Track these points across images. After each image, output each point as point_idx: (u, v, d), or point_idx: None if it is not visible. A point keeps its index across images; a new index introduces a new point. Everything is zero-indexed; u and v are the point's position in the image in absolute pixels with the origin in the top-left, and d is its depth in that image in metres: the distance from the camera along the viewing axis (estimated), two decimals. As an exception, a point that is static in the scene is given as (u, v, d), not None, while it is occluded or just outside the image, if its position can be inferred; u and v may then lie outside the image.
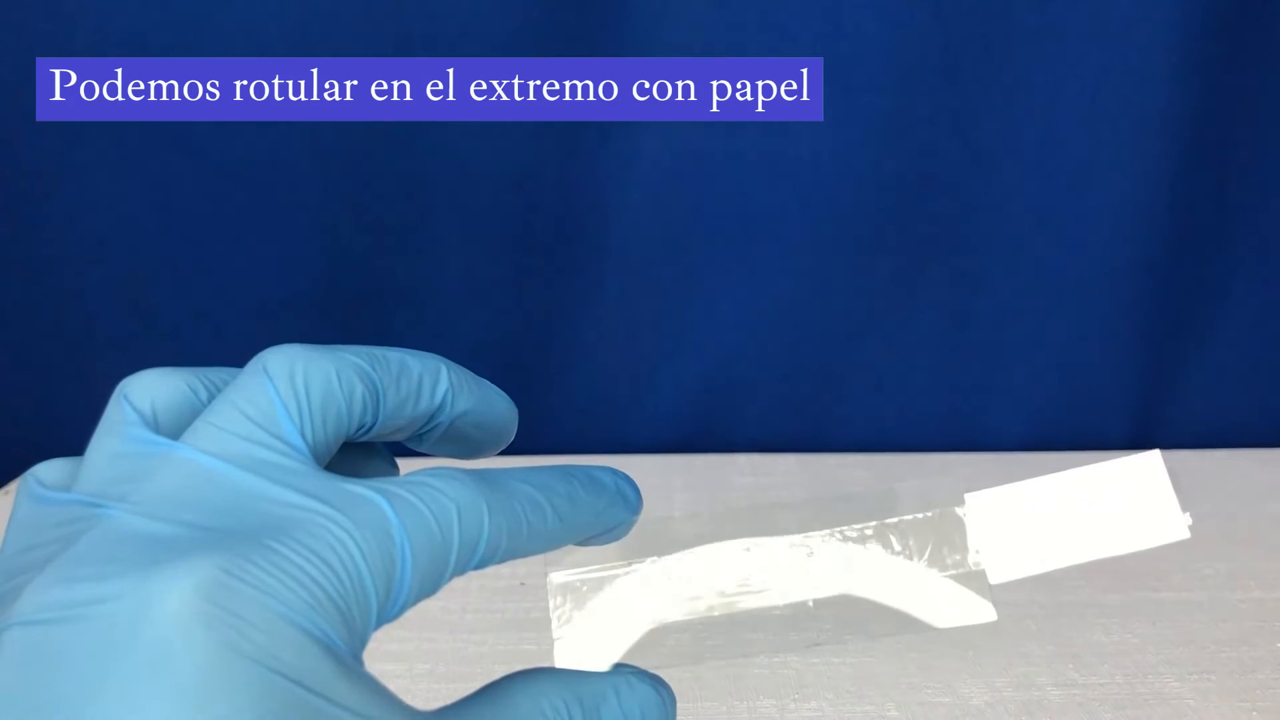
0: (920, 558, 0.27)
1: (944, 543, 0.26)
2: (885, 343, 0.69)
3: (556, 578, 0.27)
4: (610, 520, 0.25)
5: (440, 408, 0.25)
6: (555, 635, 0.27)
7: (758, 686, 0.44)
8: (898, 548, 0.27)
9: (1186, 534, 0.25)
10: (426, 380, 0.25)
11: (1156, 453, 0.26)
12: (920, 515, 0.27)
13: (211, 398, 0.24)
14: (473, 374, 0.26)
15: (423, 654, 0.47)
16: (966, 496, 0.26)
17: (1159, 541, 0.25)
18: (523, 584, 0.52)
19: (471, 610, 0.50)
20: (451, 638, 0.48)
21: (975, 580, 0.26)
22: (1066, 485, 0.26)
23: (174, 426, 0.23)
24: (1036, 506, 0.26)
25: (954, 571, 0.26)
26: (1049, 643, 0.47)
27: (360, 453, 0.26)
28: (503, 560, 0.23)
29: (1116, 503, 0.26)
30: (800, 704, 0.43)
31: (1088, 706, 0.43)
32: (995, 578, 0.26)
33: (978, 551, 0.26)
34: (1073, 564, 0.25)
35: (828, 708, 0.43)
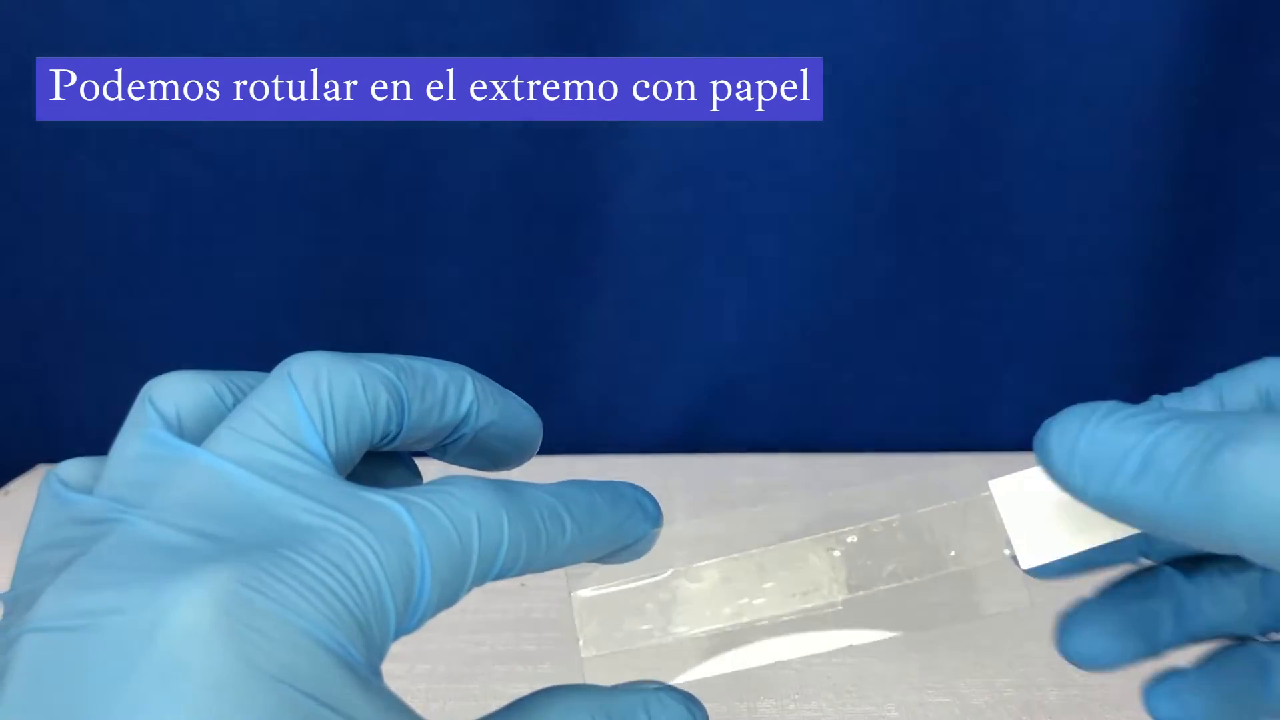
0: (948, 547, 0.26)
1: (972, 531, 0.26)
2: (885, 343, 0.69)
3: (581, 595, 0.27)
4: (630, 533, 0.25)
5: (465, 419, 0.25)
6: (583, 653, 0.26)
7: (758, 687, 0.44)
8: (925, 539, 0.26)
9: None
10: (452, 390, 0.25)
11: None
12: (946, 504, 0.26)
13: (236, 402, 0.23)
14: (498, 386, 0.26)
15: (423, 654, 0.47)
16: (991, 483, 0.26)
17: None
18: (523, 584, 0.52)
19: (471, 610, 0.50)
20: (451, 638, 0.48)
21: (1007, 567, 0.26)
22: None
23: (198, 430, 0.23)
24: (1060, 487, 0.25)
25: (985, 559, 0.26)
26: (1049, 643, 0.47)
27: (383, 462, 0.26)
28: (523, 572, 0.23)
29: None
30: (800, 704, 0.43)
31: (1088, 706, 0.43)
32: (1027, 563, 0.25)
33: (1007, 537, 0.25)
34: (1103, 542, 0.25)
35: (827, 708, 0.43)
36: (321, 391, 0.22)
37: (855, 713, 0.43)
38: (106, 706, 0.17)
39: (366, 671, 0.19)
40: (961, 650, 0.47)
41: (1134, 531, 0.24)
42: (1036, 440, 0.23)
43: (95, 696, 0.17)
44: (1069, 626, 0.25)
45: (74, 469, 0.23)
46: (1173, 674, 0.26)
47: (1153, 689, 0.25)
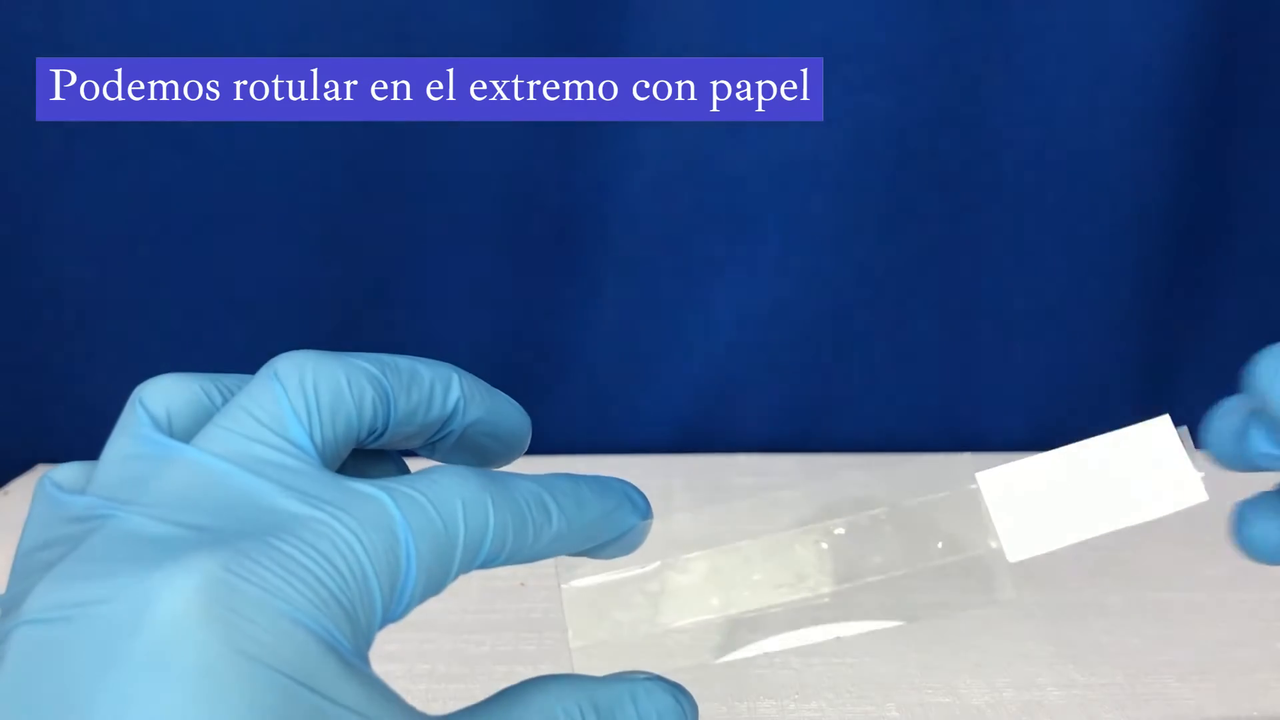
0: (936, 540, 0.26)
1: (959, 523, 0.26)
2: (885, 343, 0.69)
3: (571, 586, 0.27)
4: (618, 524, 0.25)
5: (452, 415, 0.25)
6: (572, 644, 0.26)
7: (758, 687, 0.44)
8: (912, 531, 0.26)
9: (1204, 496, 0.25)
10: (438, 387, 0.25)
11: (1166, 418, 0.26)
12: (933, 497, 0.26)
13: (225, 402, 0.24)
14: (486, 384, 0.26)
15: (422, 654, 0.47)
16: (978, 475, 0.26)
17: (1176, 507, 0.25)
18: (523, 584, 0.52)
19: (471, 611, 0.50)
20: (451, 638, 0.48)
21: (994, 560, 0.26)
22: (1078, 457, 0.26)
23: (188, 430, 0.23)
24: (1049, 481, 0.25)
25: (971, 552, 0.26)
26: (1049, 643, 0.47)
27: (372, 459, 0.26)
28: (509, 561, 0.23)
29: (1129, 471, 0.25)
30: (800, 704, 0.43)
31: (1088, 707, 0.43)
32: (1014, 556, 0.25)
33: (994, 530, 0.25)
34: (1090, 536, 0.25)
35: (828, 708, 0.43)
36: (307, 388, 0.23)
37: (855, 713, 0.43)
38: (94, 693, 0.17)
39: (353, 657, 0.20)
40: (961, 650, 0.47)
41: (1119, 526, 0.24)
42: (1250, 366, 0.25)
43: (83, 684, 0.18)
44: (1247, 516, 0.25)
45: (68, 473, 0.23)
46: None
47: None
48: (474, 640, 0.48)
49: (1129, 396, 0.70)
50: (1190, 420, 0.77)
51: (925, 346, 0.69)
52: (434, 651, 0.47)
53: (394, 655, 0.46)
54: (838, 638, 0.27)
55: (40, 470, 0.67)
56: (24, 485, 0.66)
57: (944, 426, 0.70)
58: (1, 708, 0.18)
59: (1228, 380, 0.78)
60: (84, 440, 0.63)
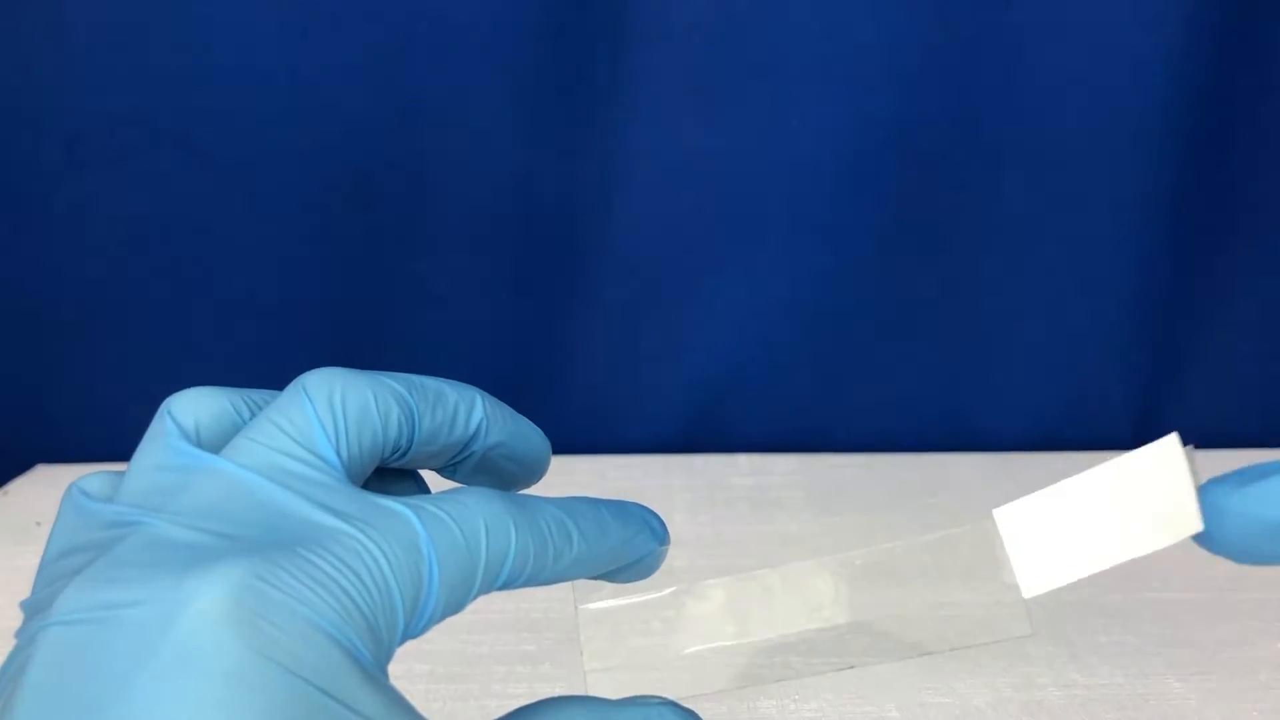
0: (952, 575, 0.26)
1: (976, 558, 0.26)
2: (885, 343, 0.69)
3: (588, 608, 0.27)
4: (637, 549, 0.26)
5: (474, 437, 0.26)
6: (586, 666, 0.27)
7: (758, 687, 0.44)
8: (929, 565, 0.27)
9: (1199, 526, 0.24)
10: (462, 409, 0.25)
11: (1174, 437, 0.25)
12: (950, 531, 0.26)
13: (253, 416, 0.24)
14: (509, 408, 0.27)
15: (422, 654, 0.47)
16: (995, 512, 0.26)
17: (1178, 537, 0.25)
18: (523, 584, 0.52)
19: (471, 611, 0.50)
20: (451, 638, 0.48)
21: (1009, 595, 0.26)
22: (1090, 485, 0.25)
23: (215, 442, 0.24)
24: (1062, 513, 0.25)
25: (987, 587, 0.26)
26: (1049, 643, 0.47)
27: (394, 478, 0.27)
28: (528, 583, 0.23)
29: (1139, 498, 0.25)
30: (800, 704, 0.43)
31: (1089, 707, 0.43)
32: (1029, 591, 0.26)
33: (1010, 566, 0.26)
34: (1104, 569, 0.25)
35: (828, 708, 0.43)
36: (335, 403, 0.23)
37: (855, 713, 0.43)
38: (122, 694, 0.18)
39: (374, 669, 0.20)
40: (962, 651, 0.46)
41: (1135, 555, 0.24)
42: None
43: (111, 684, 0.18)
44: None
45: (95, 481, 0.23)
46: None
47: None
48: (474, 640, 0.48)
49: (1129, 397, 0.70)
50: (1189, 421, 0.77)
51: (925, 347, 0.69)
52: (434, 652, 0.47)
53: (394, 655, 0.46)
54: (850, 665, 0.27)
55: (40, 470, 0.67)
56: (24, 485, 0.66)
57: (944, 427, 0.70)
58: (30, 706, 0.18)
59: (1228, 379, 0.78)
60: (85, 440, 0.63)
